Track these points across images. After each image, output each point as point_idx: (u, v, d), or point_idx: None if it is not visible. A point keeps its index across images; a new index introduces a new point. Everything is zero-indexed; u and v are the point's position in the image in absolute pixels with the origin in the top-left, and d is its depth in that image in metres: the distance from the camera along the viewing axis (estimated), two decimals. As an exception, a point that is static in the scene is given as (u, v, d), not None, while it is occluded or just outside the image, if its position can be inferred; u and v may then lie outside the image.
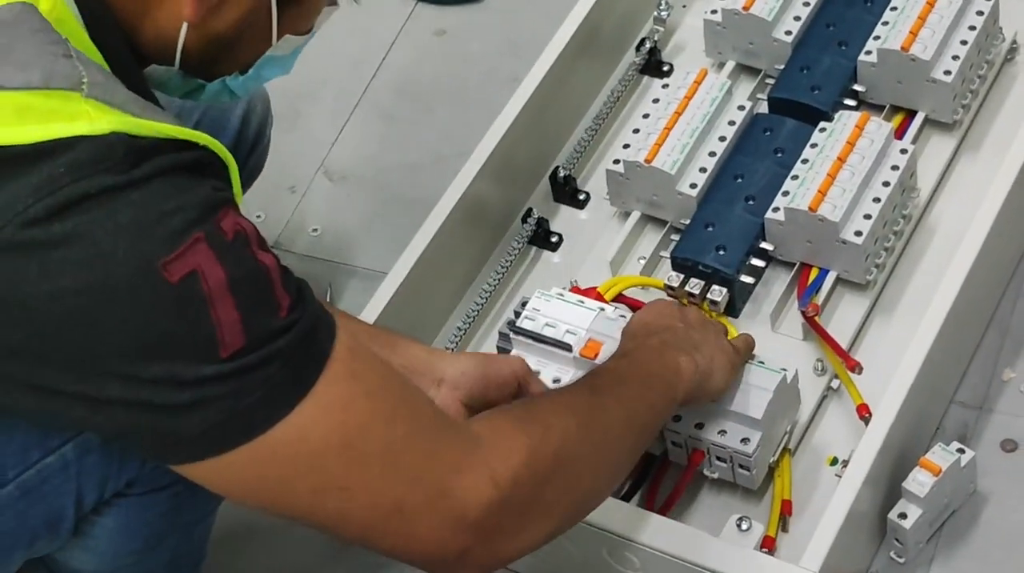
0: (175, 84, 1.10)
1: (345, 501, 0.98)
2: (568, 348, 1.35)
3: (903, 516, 1.31)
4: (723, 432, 1.29)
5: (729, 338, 1.31)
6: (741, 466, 1.30)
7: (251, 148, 1.48)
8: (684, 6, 1.68)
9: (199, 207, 0.95)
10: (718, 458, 1.31)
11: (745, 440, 1.29)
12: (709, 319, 1.30)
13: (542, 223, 1.54)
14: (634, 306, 1.45)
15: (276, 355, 0.96)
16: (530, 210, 1.55)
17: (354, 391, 0.98)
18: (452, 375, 1.25)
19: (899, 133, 1.49)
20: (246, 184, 1.51)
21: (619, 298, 1.45)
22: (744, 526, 1.28)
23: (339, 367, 0.98)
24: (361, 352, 1.01)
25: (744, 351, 1.30)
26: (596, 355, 1.33)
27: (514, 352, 1.38)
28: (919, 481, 1.30)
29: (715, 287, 1.43)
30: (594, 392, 1.13)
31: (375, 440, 0.98)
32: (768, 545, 1.30)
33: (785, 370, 1.30)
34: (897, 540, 1.32)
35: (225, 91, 1.13)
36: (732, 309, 1.45)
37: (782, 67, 1.54)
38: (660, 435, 1.32)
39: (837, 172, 1.41)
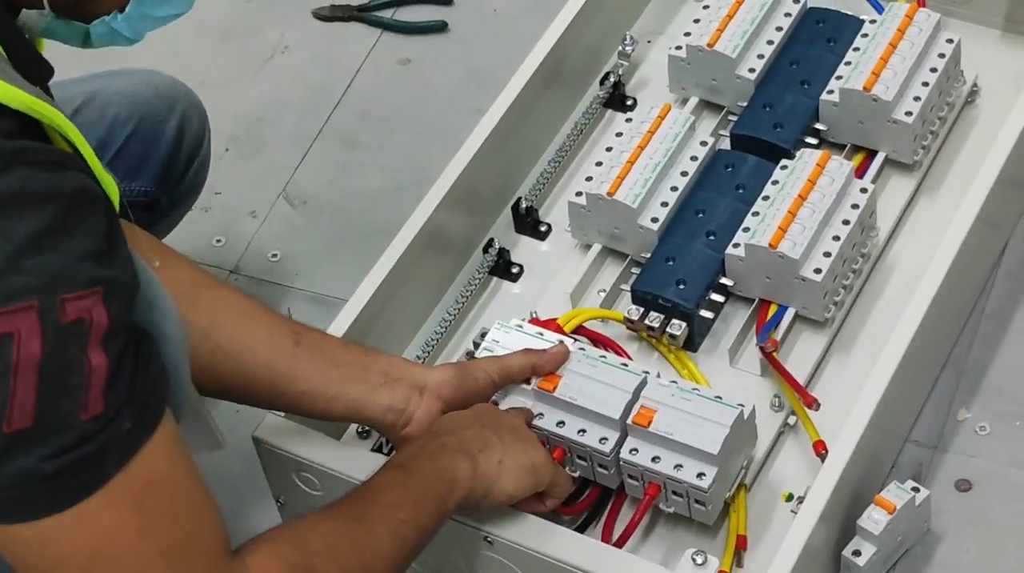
0: (60, 32, 1.06)
1: None
2: (527, 380, 1.35)
3: (857, 553, 1.31)
4: (679, 466, 1.29)
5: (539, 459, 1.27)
6: (697, 501, 1.31)
7: (188, 161, 1.47)
8: (649, 41, 1.69)
9: (50, 276, 0.90)
10: (674, 492, 1.31)
11: (701, 475, 1.29)
12: (520, 428, 1.27)
13: (503, 254, 1.54)
14: (594, 338, 1.45)
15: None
16: (491, 240, 1.55)
17: (127, 523, 0.93)
18: (433, 385, 1.28)
19: (859, 172, 1.50)
20: (188, 198, 1.50)
21: (579, 330, 1.45)
22: (699, 560, 1.27)
23: (122, 493, 0.93)
24: (164, 486, 0.95)
25: (548, 471, 1.26)
26: (555, 387, 1.33)
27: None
28: (874, 519, 1.30)
29: (674, 321, 1.43)
30: (362, 521, 1.11)
31: None
32: None
33: (742, 405, 1.31)
34: None
35: (115, 35, 1.07)
36: (691, 343, 1.45)
37: (745, 104, 1.55)
38: (616, 468, 1.32)
39: (798, 209, 1.42)
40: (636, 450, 1.31)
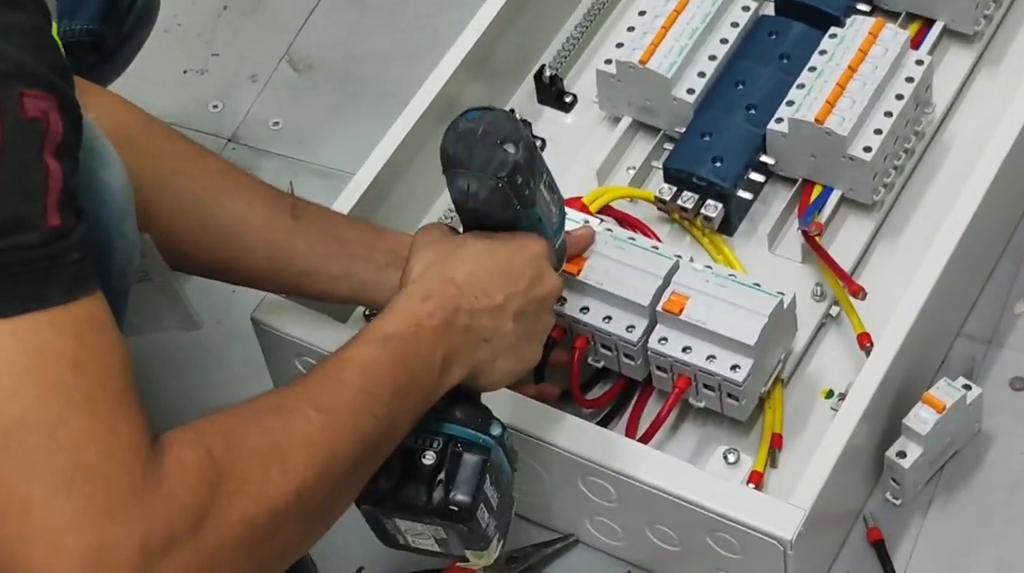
0: None
1: None
2: (548, 261, 1.36)
3: (902, 454, 1.31)
4: (712, 358, 1.30)
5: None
6: (730, 395, 1.31)
7: None
8: None
9: (16, 66, 0.90)
10: (705, 386, 1.32)
11: (735, 367, 1.29)
12: (544, 312, 1.18)
13: (524, 126, 1.53)
14: (621, 219, 1.45)
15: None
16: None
17: (64, 349, 0.90)
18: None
19: (915, 43, 1.49)
20: (137, 33, 1.46)
21: (605, 210, 1.45)
22: (731, 459, 1.29)
23: (65, 320, 0.91)
24: (104, 334, 0.92)
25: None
26: (579, 271, 1.33)
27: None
28: (921, 418, 1.30)
29: (710, 202, 1.44)
30: (330, 417, 1.00)
31: (33, 420, 0.89)
32: (755, 480, 1.31)
33: (782, 294, 1.31)
34: (894, 480, 1.33)
35: None
36: (727, 226, 1.45)
37: (792, -35, 1.54)
38: (644, 358, 1.33)
39: (847, 82, 1.42)
40: (665, 339, 1.31)
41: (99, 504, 0.88)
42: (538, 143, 1.55)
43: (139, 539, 0.89)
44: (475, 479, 1.10)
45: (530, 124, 1.56)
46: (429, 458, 1.10)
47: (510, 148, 1.14)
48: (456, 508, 1.09)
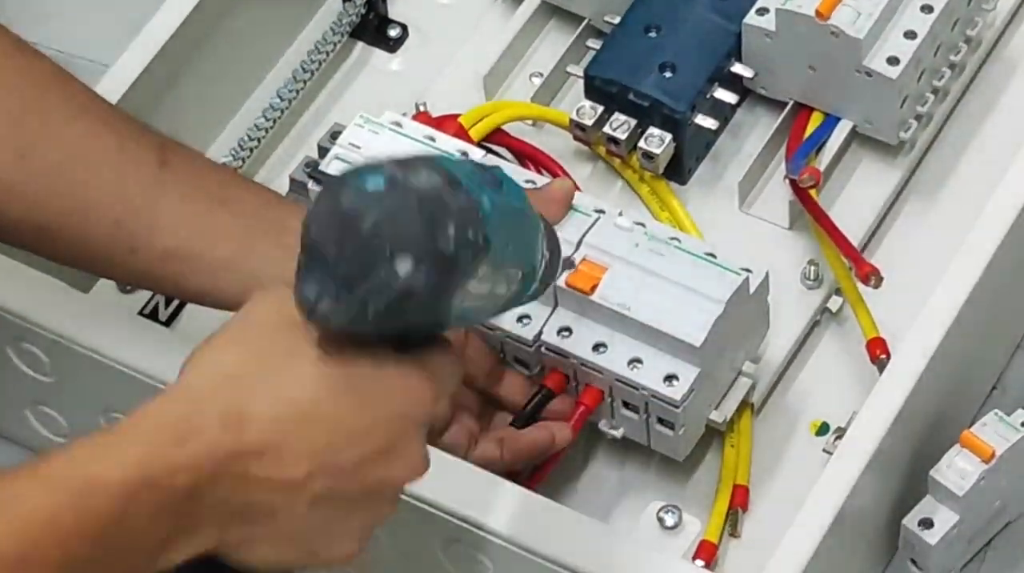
0: None
1: None
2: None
3: (927, 524, 1.32)
4: (636, 363, 1.30)
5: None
6: (661, 421, 1.32)
7: None
8: None
9: None
10: (626, 404, 1.32)
11: (671, 379, 1.29)
12: (389, 496, 1.10)
13: (375, 5, 1.56)
14: (520, 152, 1.47)
15: None
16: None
17: None
18: None
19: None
20: None
21: (495, 138, 1.47)
22: (670, 522, 1.30)
23: None
24: None
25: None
26: None
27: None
28: (957, 469, 1.31)
29: (654, 131, 1.45)
30: None
31: None
32: (706, 556, 1.31)
33: (748, 271, 1.31)
34: (914, 562, 1.34)
35: None
36: (678, 169, 1.47)
37: None
38: (537, 354, 1.33)
39: (866, -41, 1.45)
40: (568, 331, 1.31)
41: None
42: (396, 31, 1.57)
43: None
44: None
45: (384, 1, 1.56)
46: None
47: (403, 266, 1.01)
48: None
